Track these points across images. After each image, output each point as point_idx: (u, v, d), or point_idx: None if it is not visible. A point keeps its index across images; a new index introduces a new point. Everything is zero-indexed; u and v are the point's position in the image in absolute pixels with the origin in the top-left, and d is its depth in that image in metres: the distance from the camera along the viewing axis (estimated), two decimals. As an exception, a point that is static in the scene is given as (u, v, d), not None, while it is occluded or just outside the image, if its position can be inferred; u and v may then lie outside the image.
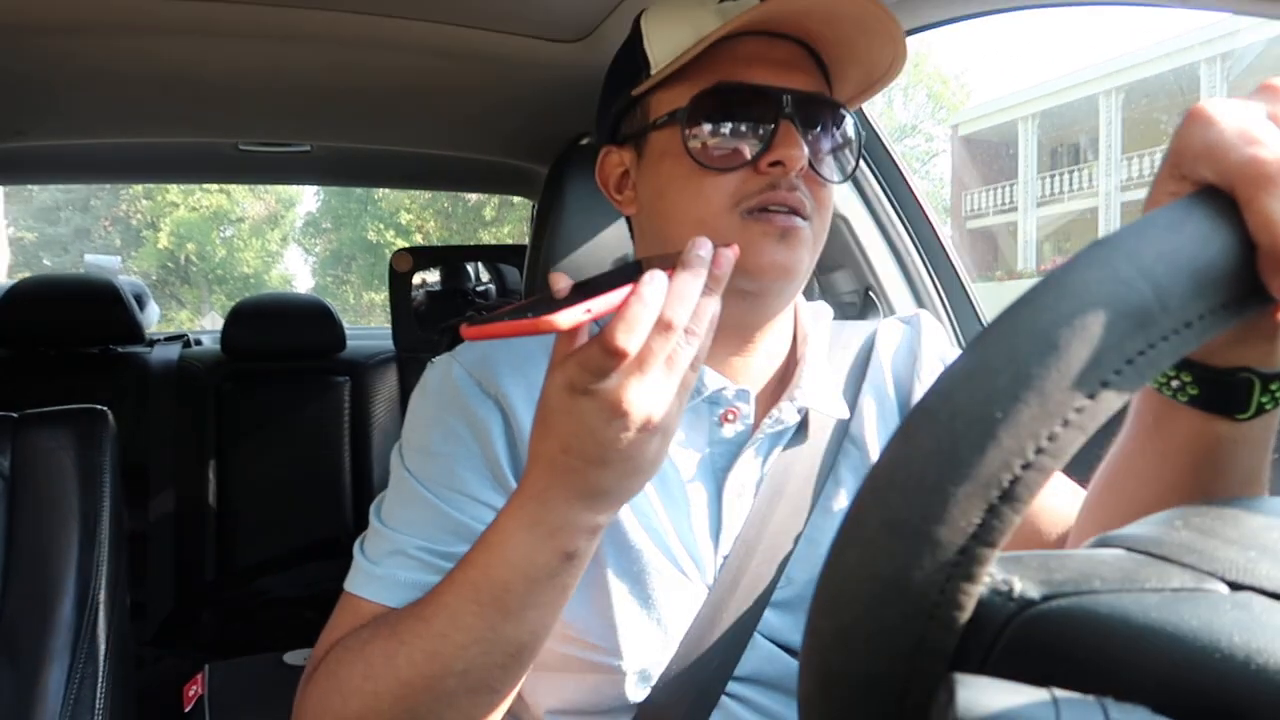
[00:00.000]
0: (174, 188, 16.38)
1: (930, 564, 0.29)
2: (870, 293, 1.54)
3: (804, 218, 0.74)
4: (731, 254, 0.60)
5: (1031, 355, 0.30)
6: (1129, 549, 0.33)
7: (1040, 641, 0.30)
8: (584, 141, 1.86)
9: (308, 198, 19.98)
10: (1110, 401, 0.31)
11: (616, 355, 0.55)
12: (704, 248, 0.59)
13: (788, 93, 0.73)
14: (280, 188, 18.27)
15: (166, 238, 15.85)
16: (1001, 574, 0.31)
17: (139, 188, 16.83)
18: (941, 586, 0.29)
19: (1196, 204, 0.36)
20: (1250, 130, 0.37)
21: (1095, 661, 0.28)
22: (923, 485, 0.30)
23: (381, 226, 18.36)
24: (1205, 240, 0.34)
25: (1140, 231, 0.34)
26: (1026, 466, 0.29)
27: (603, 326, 0.56)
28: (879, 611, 0.30)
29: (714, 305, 0.59)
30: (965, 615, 0.30)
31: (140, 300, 2.72)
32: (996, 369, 0.31)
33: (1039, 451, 0.30)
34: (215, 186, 16.73)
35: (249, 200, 16.95)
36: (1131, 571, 0.31)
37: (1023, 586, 0.30)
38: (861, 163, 1.49)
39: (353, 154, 2.31)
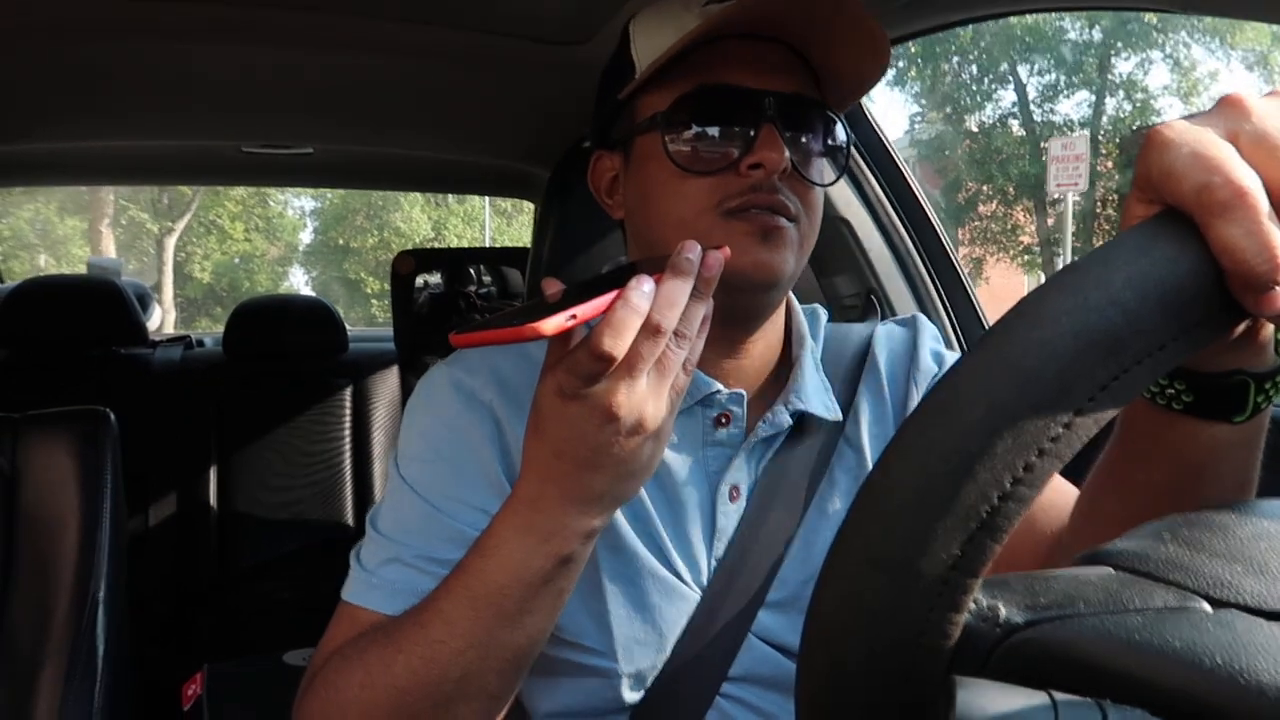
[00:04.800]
0: (213, 240, 21.87)
1: (913, 595, 0.30)
2: (872, 296, 1.54)
3: (788, 218, 0.73)
4: (721, 256, 0.60)
5: (1003, 387, 0.30)
6: (1115, 566, 0.33)
7: (1027, 664, 0.30)
8: (586, 145, 1.86)
9: (306, 231, 25.83)
10: (1086, 428, 0.31)
11: (603, 360, 0.55)
12: (692, 251, 0.58)
13: (770, 95, 0.72)
14: (288, 235, 24.00)
15: (209, 275, 22.29)
16: (987, 599, 0.31)
17: (189, 240, 22.22)
18: (926, 616, 0.30)
19: (1163, 226, 0.36)
20: (1204, 154, 0.36)
21: (1082, 682, 0.28)
22: (902, 519, 0.30)
23: (358, 267, 23.16)
24: (1173, 262, 0.34)
25: (1108, 257, 0.34)
26: (1004, 497, 0.30)
27: (590, 331, 0.56)
28: (866, 642, 0.30)
29: (704, 308, 0.59)
30: (951, 642, 0.30)
31: (143, 301, 2.73)
32: (969, 402, 0.31)
33: (1016, 482, 0.30)
34: (241, 236, 21.73)
35: (264, 245, 23.20)
36: (1115, 592, 0.31)
37: (1008, 612, 0.31)
38: (863, 165, 1.49)
39: (355, 156, 2.32)
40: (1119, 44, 16.80)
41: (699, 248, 0.59)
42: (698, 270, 0.58)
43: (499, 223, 23.02)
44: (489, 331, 0.54)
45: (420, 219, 22.21)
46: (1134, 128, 16.48)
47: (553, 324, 0.53)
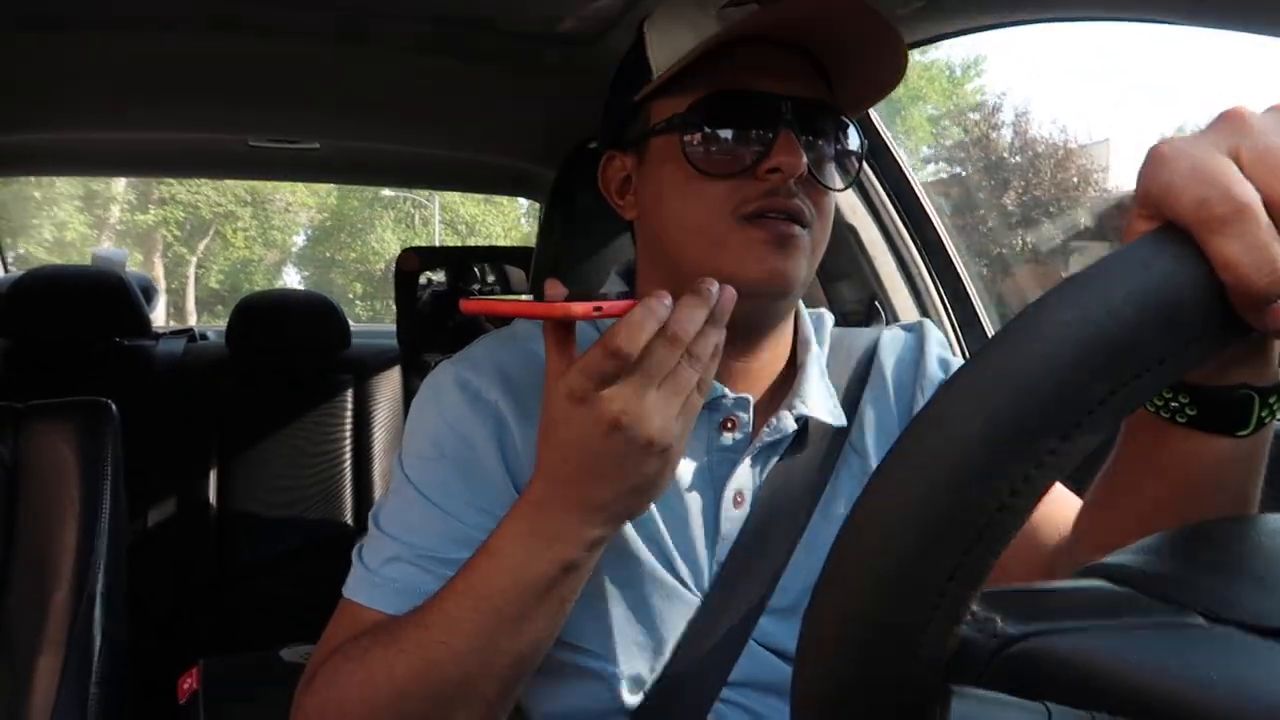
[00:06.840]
0: (219, 254, 25.38)
1: (910, 606, 0.30)
2: (876, 302, 1.53)
3: (802, 225, 0.73)
4: (732, 292, 0.61)
5: (1001, 400, 0.30)
6: (1113, 580, 0.33)
7: (1024, 676, 0.30)
8: (592, 145, 1.86)
9: (300, 235, 28.88)
10: (1085, 442, 0.31)
11: (616, 357, 0.55)
12: (711, 284, 0.60)
13: (787, 99, 0.72)
14: (283, 242, 26.98)
15: (215, 280, 25.83)
16: (984, 611, 0.31)
17: (205, 256, 25.68)
18: (923, 627, 0.30)
19: (1163, 241, 0.35)
20: (1203, 171, 0.36)
21: (1078, 695, 0.29)
22: (900, 530, 0.30)
23: (343, 275, 27.31)
24: (1173, 276, 0.34)
25: (1108, 271, 0.33)
26: (1001, 509, 0.30)
27: (604, 331, 0.56)
28: (863, 652, 0.30)
29: (716, 337, 0.60)
30: (948, 653, 0.30)
31: (147, 294, 2.72)
32: (968, 414, 0.31)
33: (1013, 494, 0.30)
34: (241, 244, 24.87)
35: (262, 250, 26.33)
36: (1113, 606, 0.31)
37: (1004, 624, 0.31)
38: (869, 171, 1.48)
39: (362, 152, 2.32)
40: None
41: (716, 284, 0.61)
42: (716, 301, 0.59)
43: (455, 242, 25.36)
44: (509, 303, 0.55)
45: (390, 239, 25.76)
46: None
47: (582, 308, 0.55)
